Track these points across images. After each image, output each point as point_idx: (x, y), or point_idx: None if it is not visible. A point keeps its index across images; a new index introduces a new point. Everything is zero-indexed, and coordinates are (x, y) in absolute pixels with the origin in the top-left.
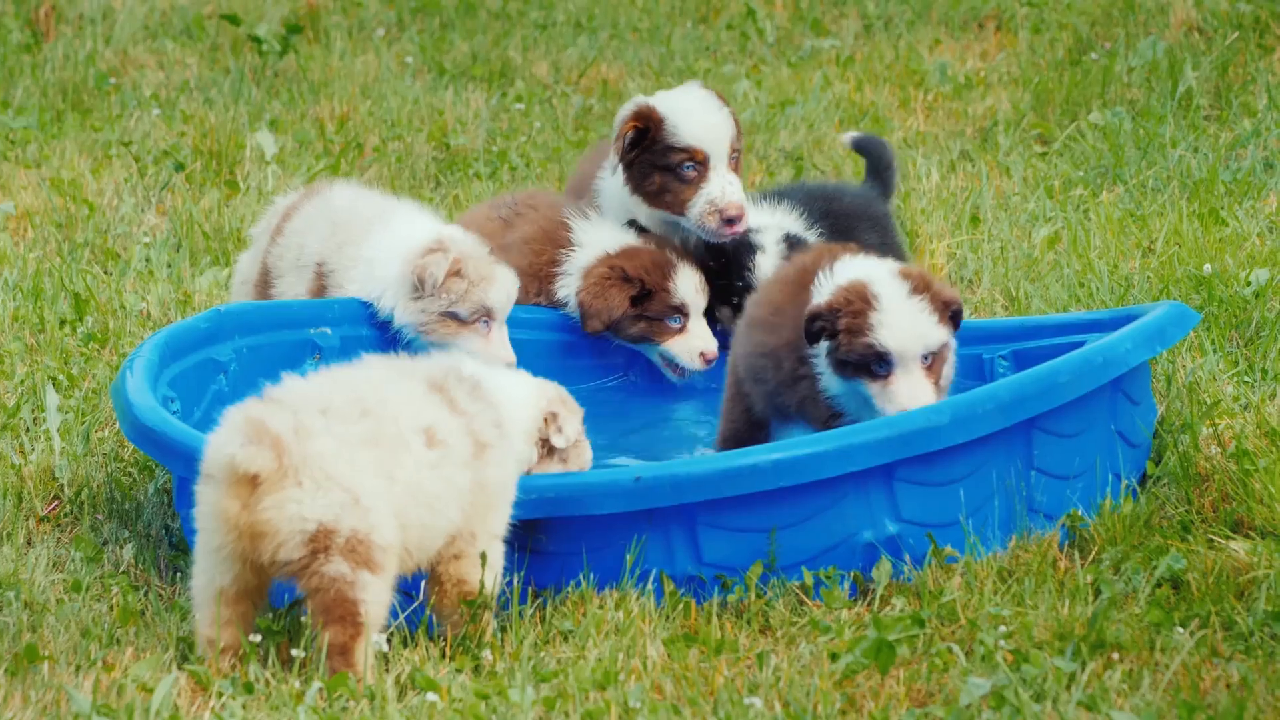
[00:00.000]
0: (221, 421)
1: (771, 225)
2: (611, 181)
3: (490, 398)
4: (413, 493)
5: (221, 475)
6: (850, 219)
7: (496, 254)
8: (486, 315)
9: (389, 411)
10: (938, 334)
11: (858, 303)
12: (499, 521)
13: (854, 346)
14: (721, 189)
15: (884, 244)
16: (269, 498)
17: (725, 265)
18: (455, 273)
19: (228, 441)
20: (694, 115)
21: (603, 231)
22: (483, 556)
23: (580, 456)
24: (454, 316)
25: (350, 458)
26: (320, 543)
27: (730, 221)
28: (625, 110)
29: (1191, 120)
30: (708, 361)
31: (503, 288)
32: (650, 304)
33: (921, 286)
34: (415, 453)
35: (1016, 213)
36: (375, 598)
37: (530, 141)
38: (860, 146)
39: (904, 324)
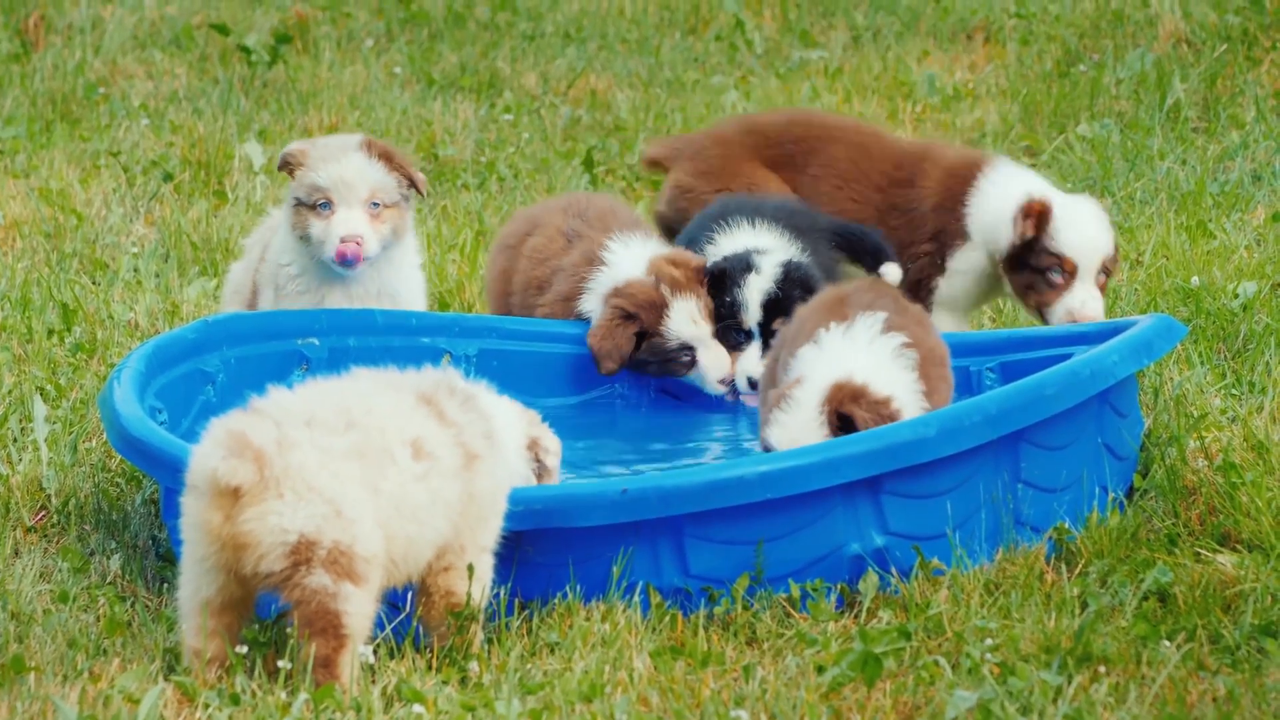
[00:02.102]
0: (205, 434)
1: (776, 249)
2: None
3: (483, 410)
4: (398, 505)
5: (204, 487)
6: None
7: (553, 275)
8: (322, 196)
9: (375, 423)
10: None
11: (774, 401)
12: (489, 534)
13: (762, 439)
14: (1082, 301)
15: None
16: (250, 509)
17: (718, 279)
18: (303, 164)
19: (210, 454)
20: (1077, 226)
21: (630, 250)
22: (470, 569)
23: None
24: (299, 203)
25: (334, 469)
26: (302, 554)
27: None
28: (1022, 201)
29: (1179, 132)
30: (726, 383)
31: (335, 168)
32: (651, 346)
33: (838, 401)
34: (401, 465)
35: None
36: (358, 609)
37: (519, 152)
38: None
39: (793, 432)
